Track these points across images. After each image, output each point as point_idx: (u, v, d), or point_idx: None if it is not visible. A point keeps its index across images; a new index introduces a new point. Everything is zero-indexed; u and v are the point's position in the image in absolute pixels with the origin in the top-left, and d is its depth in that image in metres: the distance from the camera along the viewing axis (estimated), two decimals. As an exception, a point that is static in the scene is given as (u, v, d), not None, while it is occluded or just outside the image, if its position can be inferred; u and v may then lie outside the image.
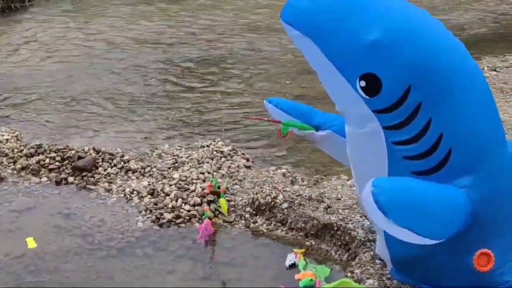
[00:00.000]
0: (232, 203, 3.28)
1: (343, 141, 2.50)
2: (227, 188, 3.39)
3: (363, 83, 2.13)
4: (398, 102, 2.13)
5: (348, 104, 2.25)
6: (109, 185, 3.54)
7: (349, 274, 2.58)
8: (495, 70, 5.46)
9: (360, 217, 3.00)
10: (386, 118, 2.17)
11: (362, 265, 2.62)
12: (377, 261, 2.64)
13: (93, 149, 3.83)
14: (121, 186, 3.52)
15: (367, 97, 2.15)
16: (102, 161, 3.75)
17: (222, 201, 3.21)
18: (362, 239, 2.83)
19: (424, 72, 2.10)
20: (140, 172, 3.65)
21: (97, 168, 3.70)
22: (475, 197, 2.17)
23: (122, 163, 3.73)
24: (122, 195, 3.44)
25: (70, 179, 3.62)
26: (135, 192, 3.43)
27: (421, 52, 2.11)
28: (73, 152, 3.79)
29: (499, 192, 2.25)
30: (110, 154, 3.80)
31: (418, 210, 2.08)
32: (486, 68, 5.38)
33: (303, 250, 2.90)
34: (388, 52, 2.09)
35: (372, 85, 2.12)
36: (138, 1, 9.01)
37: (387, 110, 2.15)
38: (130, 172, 3.66)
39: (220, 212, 3.24)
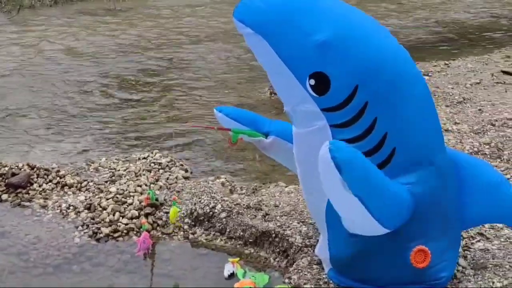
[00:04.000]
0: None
1: (288, 146, 2.55)
2: (165, 200, 3.37)
3: (312, 82, 2.19)
4: (346, 101, 2.19)
5: (297, 103, 2.29)
6: (44, 201, 3.46)
7: (286, 280, 2.60)
8: (427, 75, 5.62)
9: (298, 223, 3.03)
10: (333, 116, 2.22)
11: (300, 271, 2.64)
12: (315, 266, 2.66)
13: (28, 165, 3.74)
14: (57, 201, 3.45)
15: (316, 95, 2.20)
16: (37, 177, 3.67)
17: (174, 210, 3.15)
18: (300, 245, 2.85)
19: (370, 73, 2.18)
20: (76, 186, 3.59)
21: (32, 184, 3.62)
22: (416, 194, 2.24)
23: (58, 178, 3.66)
24: (58, 211, 3.37)
25: (4, 196, 3.53)
26: (71, 207, 3.37)
27: (368, 54, 2.19)
28: (6, 168, 3.69)
29: (437, 192, 2.33)
30: (45, 169, 3.72)
31: (374, 182, 2.11)
32: (419, 73, 5.53)
33: (238, 259, 2.90)
34: (337, 52, 2.16)
35: (321, 84, 2.18)
36: (75, 14, 8.92)
37: (335, 109, 2.21)
38: (66, 187, 3.59)
39: (158, 225, 3.22)
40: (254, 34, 2.24)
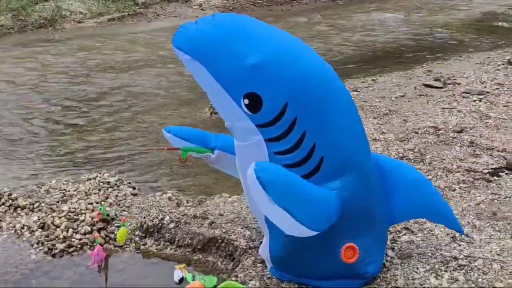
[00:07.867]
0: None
1: (233, 158, 2.80)
2: (115, 215, 3.55)
3: (247, 101, 2.46)
4: (277, 117, 2.47)
5: (235, 120, 2.56)
6: (-2, 223, 3.60)
7: (233, 278, 2.84)
8: (356, 91, 5.99)
9: (242, 228, 3.27)
10: (267, 131, 2.50)
11: (245, 269, 2.89)
12: (258, 265, 2.91)
13: (-21, 190, 3.86)
14: (11, 223, 3.58)
15: (251, 113, 2.48)
16: (-11, 202, 3.80)
17: (123, 231, 3.28)
18: (244, 247, 3.10)
19: (298, 91, 2.46)
20: (29, 208, 3.73)
21: (-16, 208, 3.75)
22: (344, 197, 2.51)
23: (10, 201, 3.79)
24: (13, 231, 3.50)
25: (-42, 221, 3.64)
26: (25, 227, 3.50)
27: (295, 73, 2.46)
28: (-42, 195, 3.81)
29: (363, 194, 2.61)
30: (-3, 193, 3.86)
31: (296, 193, 2.39)
32: (348, 89, 5.88)
33: (184, 265, 3.11)
34: (266, 74, 2.44)
35: (255, 103, 2.46)
36: (14, 45, 8.97)
37: (268, 125, 2.48)
38: (19, 209, 3.73)
39: (110, 238, 3.40)
40: (192, 60, 2.51)
